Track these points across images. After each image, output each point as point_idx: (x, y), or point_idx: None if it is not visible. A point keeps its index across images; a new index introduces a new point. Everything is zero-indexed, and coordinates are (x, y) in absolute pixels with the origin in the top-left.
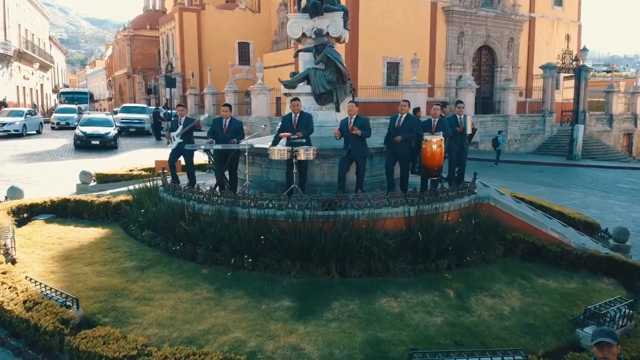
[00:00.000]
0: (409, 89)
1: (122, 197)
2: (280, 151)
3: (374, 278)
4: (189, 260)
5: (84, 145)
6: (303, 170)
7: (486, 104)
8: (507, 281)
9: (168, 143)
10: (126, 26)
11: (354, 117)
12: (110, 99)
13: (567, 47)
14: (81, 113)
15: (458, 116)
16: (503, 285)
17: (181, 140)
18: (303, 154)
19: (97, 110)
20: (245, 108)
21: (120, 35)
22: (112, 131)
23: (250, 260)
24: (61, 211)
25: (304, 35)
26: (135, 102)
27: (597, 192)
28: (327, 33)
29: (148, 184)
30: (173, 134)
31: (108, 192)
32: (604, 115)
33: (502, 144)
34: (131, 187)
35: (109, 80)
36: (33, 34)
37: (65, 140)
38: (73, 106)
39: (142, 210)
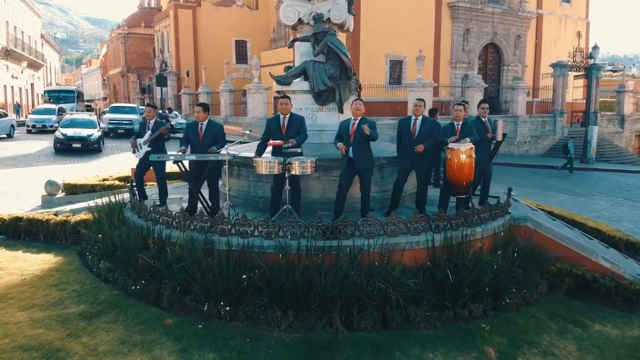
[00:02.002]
0: (414, 88)
1: (83, 215)
2: (269, 164)
3: (391, 331)
4: (151, 304)
5: (64, 148)
6: (296, 187)
7: (492, 103)
8: (558, 330)
9: (134, 152)
10: (120, 24)
11: (359, 119)
12: (105, 99)
13: (578, 44)
14: (62, 114)
15: (482, 119)
16: (554, 336)
17: (149, 149)
18: (298, 166)
19: (92, 110)
20: (242, 108)
21: (115, 33)
22: (95, 133)
23: (228, 308)
24: (12, 232)
25: (300, 21)
26: (129, 101)
27: (622, 200)
28: (329, 19)
29: (113, 199)
30: (140, 140)
31: (68, 208)
32: (615, 116)
33: (572, 150)
34: (92, 203)
35: (104, 80)
36: (23, 32)
37: (46, 142)
38: (52, 106)
39: (100, 235)
